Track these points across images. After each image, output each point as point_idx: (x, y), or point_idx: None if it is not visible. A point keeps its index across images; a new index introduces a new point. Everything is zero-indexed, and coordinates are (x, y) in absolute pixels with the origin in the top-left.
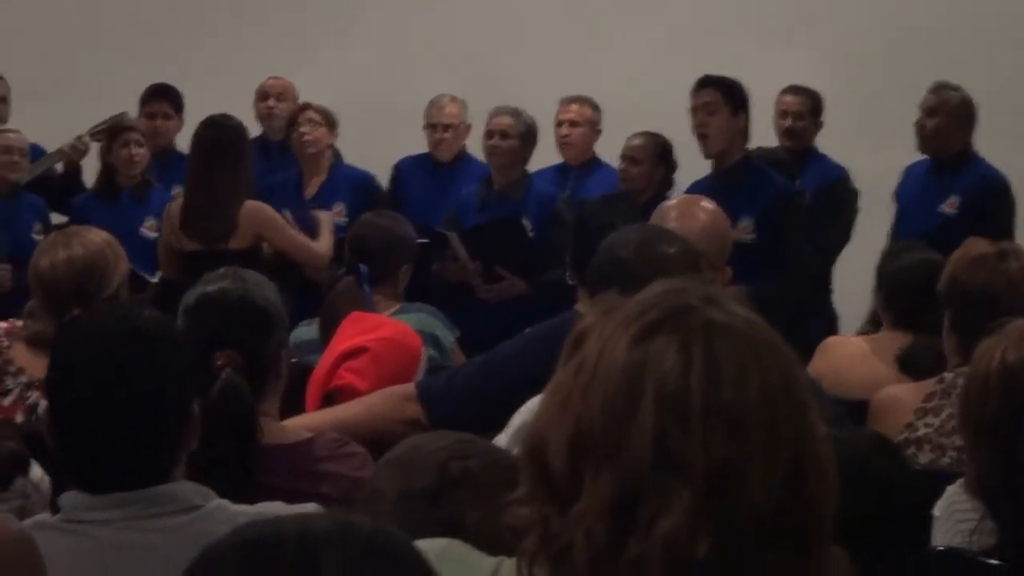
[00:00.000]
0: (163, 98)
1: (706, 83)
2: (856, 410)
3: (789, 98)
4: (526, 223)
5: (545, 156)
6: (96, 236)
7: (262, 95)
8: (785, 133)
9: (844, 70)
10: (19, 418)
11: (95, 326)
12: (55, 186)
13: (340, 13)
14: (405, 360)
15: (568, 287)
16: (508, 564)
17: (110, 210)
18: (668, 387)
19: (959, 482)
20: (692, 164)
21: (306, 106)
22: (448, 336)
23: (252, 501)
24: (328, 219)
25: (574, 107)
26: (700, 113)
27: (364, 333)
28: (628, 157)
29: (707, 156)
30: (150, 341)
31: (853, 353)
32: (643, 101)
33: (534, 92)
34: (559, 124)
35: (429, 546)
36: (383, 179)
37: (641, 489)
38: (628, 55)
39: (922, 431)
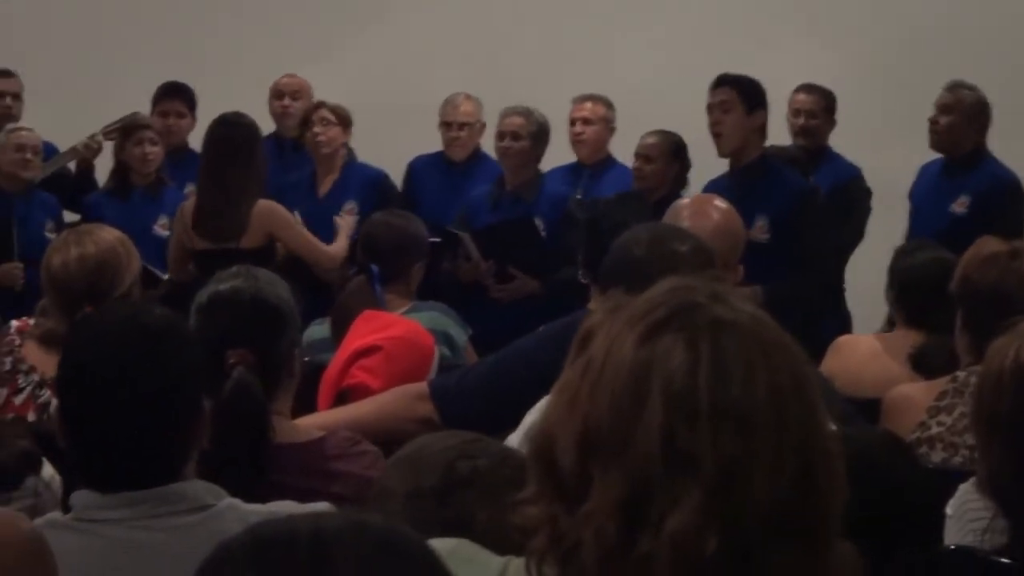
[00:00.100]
0: (176, 96)
1: (722, 82)
2: (869, 409)
3: (803, 96)
4: (538, 223)
5: (559, 155)
6: (108, 234)
7: (277, 94)
8: (799, 132)
9: (858, 69)
10: (31, 416)
11: (105, 325)
12: (68, 185)
13: (355, 11)
14: (417, 359)
15: (580, 286)
16: (516, 563)
17: (123, 208)
18: (675, 385)
19: (971, 481)
20: (707, 163)
21: (320, 105)
22: (461, 334)
23: (264, 500)
24: (348, 224)
25: (588, 105)
26: (715, 111)
27: (376, 332)
28: (642, 155)
29: (721, 155)
30: (160, 340)
31: (865, 352)
32: (658, 100)
33: (549, 91)
34: (572, 122)
35: (439, 546)
36: (397, 177)
37: (650, 487)
38: (643, 54)
39: (934, 430)
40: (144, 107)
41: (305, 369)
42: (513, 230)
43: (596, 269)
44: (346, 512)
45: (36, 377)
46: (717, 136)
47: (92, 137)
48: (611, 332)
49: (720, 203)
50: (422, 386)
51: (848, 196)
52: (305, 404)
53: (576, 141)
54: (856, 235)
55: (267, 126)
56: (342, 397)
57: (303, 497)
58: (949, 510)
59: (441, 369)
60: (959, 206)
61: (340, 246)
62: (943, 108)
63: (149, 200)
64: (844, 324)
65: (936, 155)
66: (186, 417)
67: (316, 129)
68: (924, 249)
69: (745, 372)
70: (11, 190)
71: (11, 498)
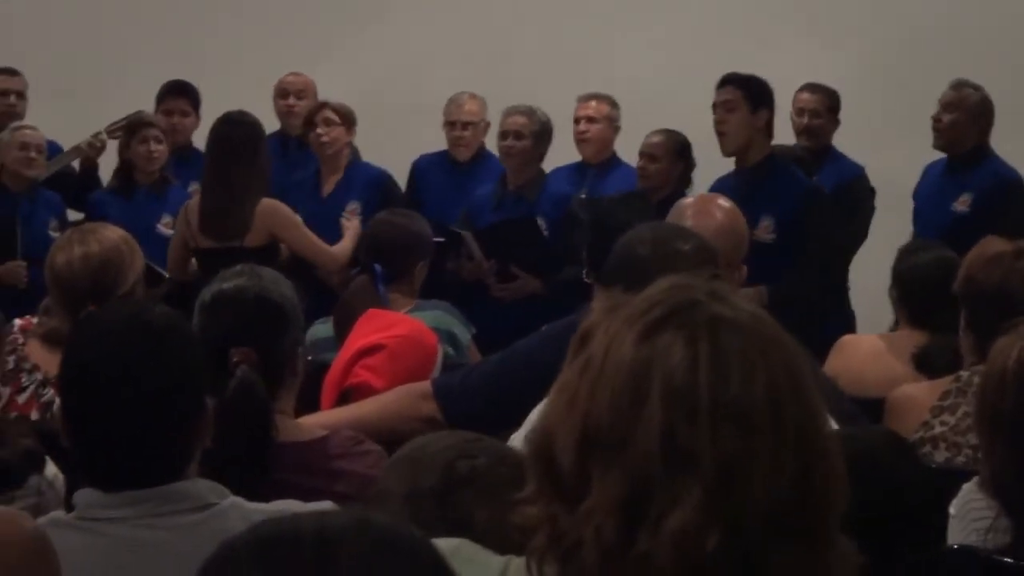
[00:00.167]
0: (180, 95)
1: (727, 81)
2: (872, 408)
3: (806, 96)
4: (541, 222)
5: (561, 155)
6: (112, 233)
7: (282, 92)
8: (802, 131)
9: (858, 69)
10: (34, 415)
11: (108, 323)
12: (72, 183)
13: (359, 9)
14: (421, 358)
15: (582, 285)
16: (517, 563)
17: (127, 207)
18: (675, 382)
19: (975, 480)
20: (713, 162)
21: (323, 105)
22: (465, 333)
23: (267, 499)
24: (355, 227)
25: (592, 104)
26: (719, 110)
27: (380, 331)
28: (646, 154)
29: (725, 154)
30: (163, 338)
31: (869, 351)
32: (657, 100)
33: (549, 91)
34: (577, 120)
35: (440, 546)
36: (402, 175)
37: (650, 485)
38: (643, 53)
39: (938, 429)
40: (147, 106)
41: (308, 368)
42: (515, 229)
43: (600, 268)
44: (350, 511)
45: (39, 376)
46: (721, 135)
47: (96, 135)
48: (610, 331)
49: (724, 202)
50: (426, 385)
51: (852, 196)
52: (308, 403)
53: (580, 139)
54: (860, 235)
55: (272, 124)
56: (345, 396)
57: (306, 496)
58: (952, 510)
59: (445, 368)
60: (961, 204)
61: (345, 248)
62: (946, 106)
63: (153, 199)
64: (848, 324)
65: (938, 155)
66: (189, 416)
67: (319, 130)
68: (928, 249)
69: (744, 370)
70: (15, 188)
71: (14, 497)
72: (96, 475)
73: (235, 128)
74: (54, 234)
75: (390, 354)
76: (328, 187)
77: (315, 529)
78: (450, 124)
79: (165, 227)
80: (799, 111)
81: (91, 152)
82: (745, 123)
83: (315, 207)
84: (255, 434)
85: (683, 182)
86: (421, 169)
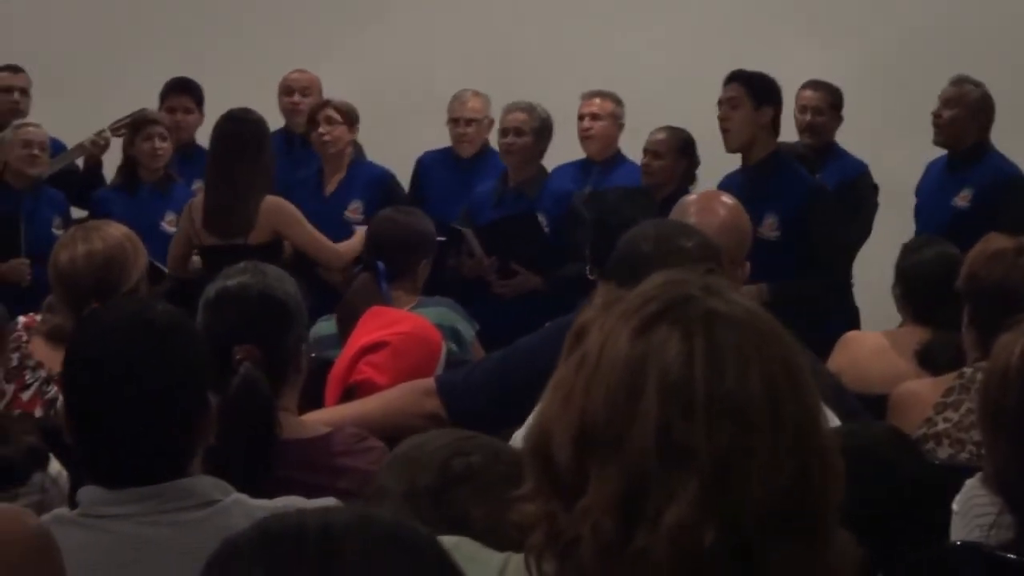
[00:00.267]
0: (184, 92)
1: (733, 78)
2: (875, 405)
3: (809, 93)
4: (541, 219)
5: (562, 154)
6: (116, 230)
7: (286, 90)
8: (805, 128)
9: (858, 68)
10: (38, 412)
11: (112, 321)
12: (76, 181)
13: (361, 8)
14: (425, 355)
15: (583, 282)
16: (516, 560)
17: (131, 204)
18: (671, 377)
19: (978, 476)
20: (718, 160)
21: (325, 103)
22: (468, 330)
23: (270, 495)
24: (362, 231)
25: (596, 101)
26: (724, 107)
27: (384, 328)
28: (650, 151)
29: (729, 150)
30: (166, 336)
31: (872, 348)
32: (657, 99)
33: (550, 89)
34: (581, 117)
35: None
36: (405, 173)
37: (646, 482)
38: (643, 53)
39: (941, 426)
40: (151, 104)
41: (312, 365)
42: (516, 226)
43: (603, 265)
44: (354, 507)
45: (43, 373)
46: (724, 131)
47: (100, 133)
48: (605, 327)
49: (727, 199)
50: (429, 382)
51: (855, 193)
52: (312, 400)
53: (584, 137)
54: (864, 231)
55: (276, 121)
56: (349, 393)
57: (309, 493)
58: (955, 506)
59: (449, 365)
60: (961, 200)
61: (352, 246)
62: (947, 102)
63: (157, 196)
64: (852, 320)
65: (939, 154)
66: (193, 413)
67: (321, 129)
68: (930, 245)
69: (739, 364)
70: (18, 186)
71: (18, 494)
72: (100, 472)
73: (239, 125)
74: (58, 232)
75: (394, 351)
76: (331, 186)
77: (319, 525)
78: (453, 121)
79: (169, 225)
80: (802, 108)
81: (95, 150)
82: (748, 120)
83: (317, 206)
84: (258, 431)
85: (687, 179)
86: (425, 165)
